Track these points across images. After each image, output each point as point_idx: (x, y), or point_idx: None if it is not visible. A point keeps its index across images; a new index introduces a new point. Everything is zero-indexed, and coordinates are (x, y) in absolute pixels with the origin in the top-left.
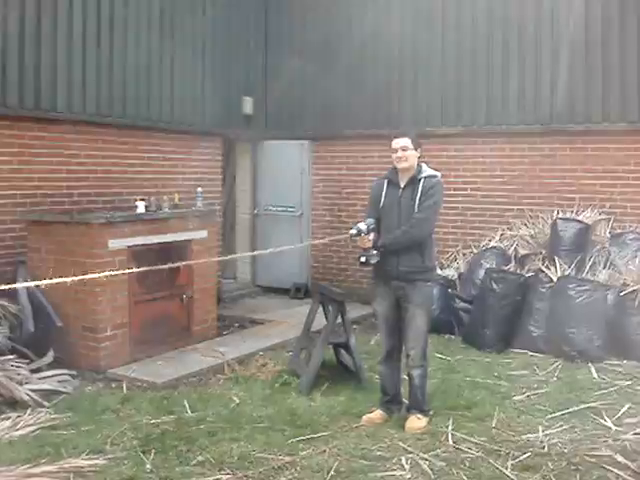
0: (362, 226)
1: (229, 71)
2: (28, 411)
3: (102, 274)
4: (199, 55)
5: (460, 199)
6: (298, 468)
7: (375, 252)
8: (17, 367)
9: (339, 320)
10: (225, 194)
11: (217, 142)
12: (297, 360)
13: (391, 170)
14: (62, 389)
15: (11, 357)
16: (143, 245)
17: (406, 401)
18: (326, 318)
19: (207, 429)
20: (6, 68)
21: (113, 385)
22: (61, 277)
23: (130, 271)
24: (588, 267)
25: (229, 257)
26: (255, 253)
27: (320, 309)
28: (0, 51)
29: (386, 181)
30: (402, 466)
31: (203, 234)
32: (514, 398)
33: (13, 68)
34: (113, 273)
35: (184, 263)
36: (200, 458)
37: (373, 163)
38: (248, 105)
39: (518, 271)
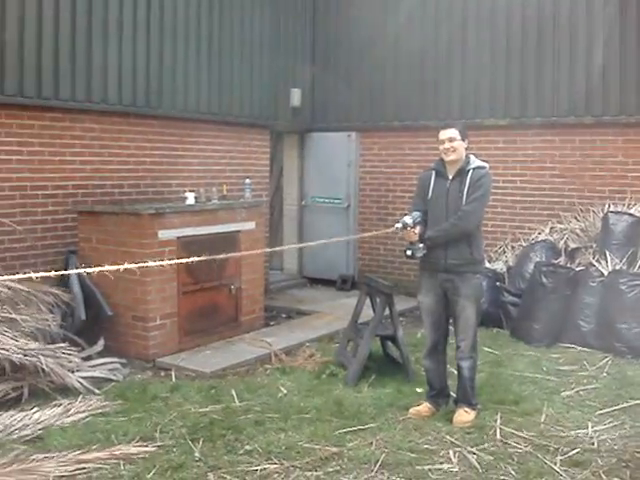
0: (408, 219)
1: (277, 63)
2: (79, 398)
3: (157, 262)
4: (248, 48)
5: (509, 191)
6: (345, 459)
7: (421, 245)
8: (69, 354)
9: (386, 312)
10: (272, 185)
11: (265, 134)
12: (344, 352)
13: (438, 161)
14: (112, 377)
15: (63, 345)
16: (192, 236)
17: (453, 394)
18: (373, 310)
19: (254, 419)
20: (58, 62)
21: (162, 374)
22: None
23: (183, 261)
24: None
25: (278, 248)
26: (302, 245)
27: (367, 301)
28: (52, 46)
29: (434, 172)
30: (450, 459)
31: (251, 225)
32: (563, 393)
33: (65, 62)
34: (169, 262)
35: (235, 254)
36: (248, 447)
37: (420, 155)
38: (296, 97)
39: (568, 265)
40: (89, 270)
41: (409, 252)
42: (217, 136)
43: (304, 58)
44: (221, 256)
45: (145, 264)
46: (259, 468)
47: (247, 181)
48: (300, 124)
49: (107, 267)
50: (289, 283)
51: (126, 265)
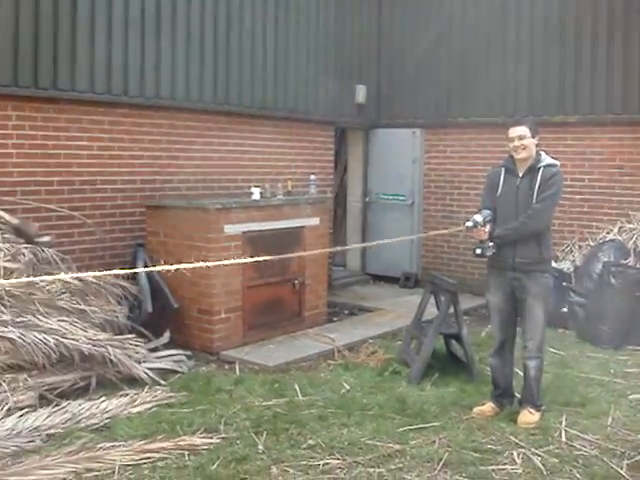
0: (478, 218)
1: (342, 60)
2: (145, 389)
3: (230, 261)
4: (313, 44)
5: (577, 190)
6: (408, 457)
7: (491, 244)
8: (135, 346)
9: (451, 310)
10: (337, 182)
11: (329, 130)
12: (407, 349)
13: (508, 159)
14: (178, 369)
15: (130, 336)
16: (257, 231)
17: (518, 395)
18: (437, 308)
19: (318, 413)
20: (127, 59)
21: (226, 367)
22: (179, 261)
23: (250, 260)
24: None
25: (342, 248)
26: (368, 244)
27: (431, 299)
28: (122, 49)
29: (503, 169)
30: (513, 460)
31: (315, 221)
32: (630, 397)
33: (134, 59)
34: (242, 261)
35: (302, 254)
36: (311, 442)
37: (487, 152)
38: (361, 93)
39: (637, 265)
40: (169, 267)
41: (479, 250)
42: (282, 132)
43: (370, 55)
44: (288, 255)
45: (220, 262)
46: (322, 463)
47: (312, 177)
48: (365, 120)
49: (181, 265)
50: (352, 279)
51: (201, 263)
